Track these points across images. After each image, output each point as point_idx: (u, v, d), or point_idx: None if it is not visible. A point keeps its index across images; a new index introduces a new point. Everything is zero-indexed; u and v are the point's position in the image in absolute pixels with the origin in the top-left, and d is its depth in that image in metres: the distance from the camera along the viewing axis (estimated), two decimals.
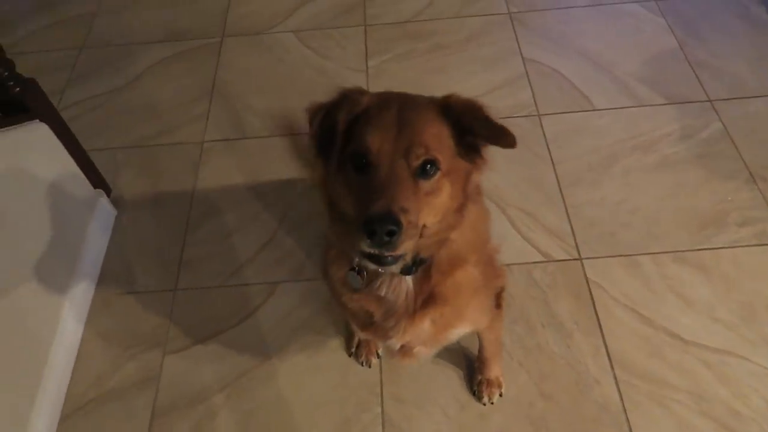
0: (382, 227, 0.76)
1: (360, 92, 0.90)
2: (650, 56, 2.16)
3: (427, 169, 0.83)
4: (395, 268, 0.92)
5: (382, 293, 1.01)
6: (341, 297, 1.08)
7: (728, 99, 1.99)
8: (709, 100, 2.00)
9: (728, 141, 1.88)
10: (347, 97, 0.89)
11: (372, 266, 0.90)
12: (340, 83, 2.22)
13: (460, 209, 0.92)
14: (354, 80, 2.13)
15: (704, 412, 1.38)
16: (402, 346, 1.13)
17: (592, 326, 1.52)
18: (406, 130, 0.83)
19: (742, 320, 1.51)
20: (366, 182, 0.82)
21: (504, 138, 0.85)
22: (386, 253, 0.82)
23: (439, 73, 2.14)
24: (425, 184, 0.83)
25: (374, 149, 0.82)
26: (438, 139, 0.86)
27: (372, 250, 0.81)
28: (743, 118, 1.93)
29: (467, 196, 0.92)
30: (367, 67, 2.19)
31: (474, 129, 0.87)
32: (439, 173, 0.84)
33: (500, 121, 0.86)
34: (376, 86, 2.11)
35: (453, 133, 0.88)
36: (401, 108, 0.86)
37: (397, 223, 0.77)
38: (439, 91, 2.30)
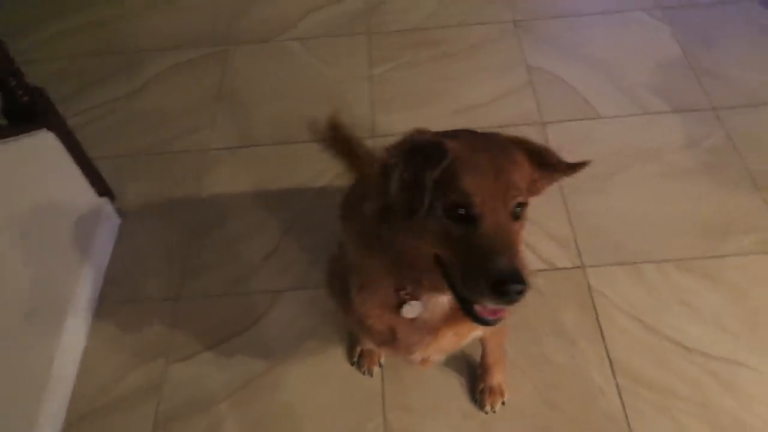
0: (512, 288, 0.76)
1: (441, 136, 0.85)
2: (656, 64, 2.16)
3: (518, 211, 0.84)
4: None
5: (423, 314, 1.01)
6: (367, 319, 1.07)
7: (733, 107, 1.99)
8: (714, 109, 1.99)
9: (732, 149, 1.87)
10: (432, 146, 0.83)
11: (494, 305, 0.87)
12: (346, 91, 2.24)
13: None
14: (359, 88, 2.15)
15: (709, 422, 1.37)
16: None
17: (595, 335, 1.51)
18: (502, 174, 0.82)
19: (748, 329, 1.50)
20: (470, 234, 0.80)
21: (577, 169, 0.90)
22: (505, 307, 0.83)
23: (443, 81, 2.15)
24: (516, 225, 0.84)
25: (478, 199, 0.80)
26: (525, 180, 0.86)
27: (497, 306, 0.83)
28: (748, 127, 1.92)
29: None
30: (372, 75, 2.20)
31: (551, 166, 0.90)
32: (524, 213, 0.86)
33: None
34: (382, 94, 2.12)
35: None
36: (492, 152, 0.85)
37: (524, 281, 0.76)
38: (444, 100, 2.30)
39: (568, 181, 1.79)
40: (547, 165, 0.90)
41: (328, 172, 1.89)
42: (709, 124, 1.95)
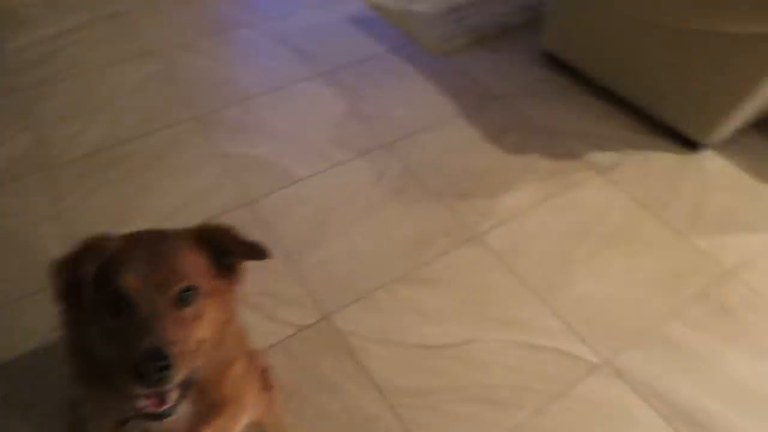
0: (152, 366, 0.76)
1: (105, 238, 0.89)
2: (331, 121, 2.47)
3: (187, 295, 0.86)
4: (175, 397, 0.88)
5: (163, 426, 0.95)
6: None
7: (398, 140, 2.39)
8: (385, 145, 2.36)
9: (410, 173, 2.25)
10: (92, 247, 0.88)
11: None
12: (30, 239, 2.01)
13: (228, 324, 0.96)
14: (45, 231, 1.96)
15: (465, 399, 1.59)
16: None
17: (356, 371, 1.63)
18: (159, 263, 0.85)
19: (468, 311, 1.80)
20: (127, 324, 0.81)
21: (258, 253, 0.94)
22: (163, 389, 0.82)
23: (140, 194, 2.11)
24: (189, 310, 0.86)
25: (130, 289, 0.82)
26: (193, 265, 0.89)
27: (148, 391, 0.82)
28: (414, 152, 2.33)
29: (232, 311, 0.97)
30: (59, 212, 2.03)
31: (230, 250, 0.95)
32: (200, 297, 0.87)
33: (250, 239, 0.95)
34: (75, 228, 1.98)
35: (209, 257, 0.93)
36: (151, 244, 0.88)
37: (166, 357, 0.77)
38: (146, 212, 2.23)
39: (289, 245, 1.94)
40: (228, 251, 0.96)
41: (33, 337, 1.66)
42: (386, 159, 2.31)
